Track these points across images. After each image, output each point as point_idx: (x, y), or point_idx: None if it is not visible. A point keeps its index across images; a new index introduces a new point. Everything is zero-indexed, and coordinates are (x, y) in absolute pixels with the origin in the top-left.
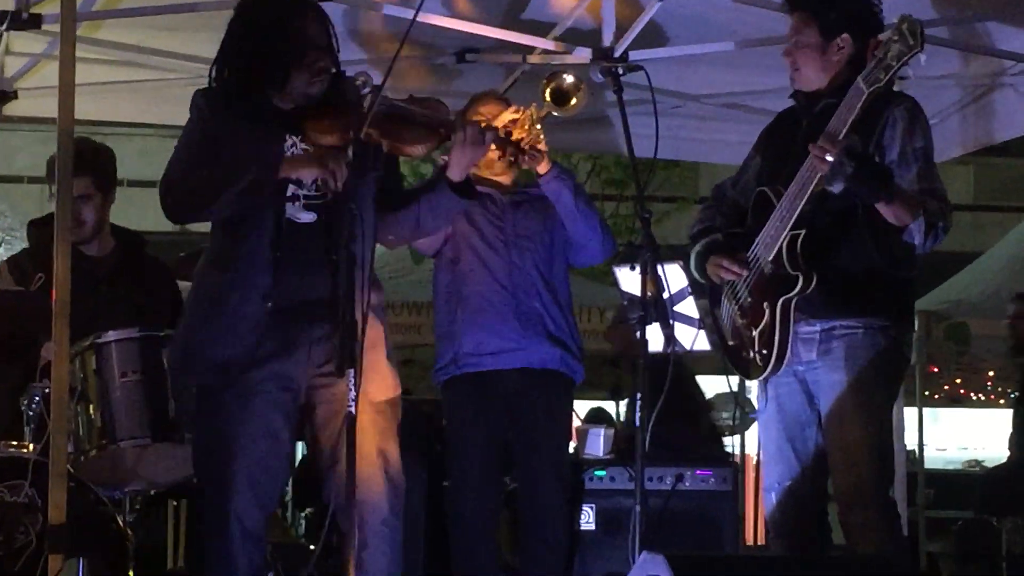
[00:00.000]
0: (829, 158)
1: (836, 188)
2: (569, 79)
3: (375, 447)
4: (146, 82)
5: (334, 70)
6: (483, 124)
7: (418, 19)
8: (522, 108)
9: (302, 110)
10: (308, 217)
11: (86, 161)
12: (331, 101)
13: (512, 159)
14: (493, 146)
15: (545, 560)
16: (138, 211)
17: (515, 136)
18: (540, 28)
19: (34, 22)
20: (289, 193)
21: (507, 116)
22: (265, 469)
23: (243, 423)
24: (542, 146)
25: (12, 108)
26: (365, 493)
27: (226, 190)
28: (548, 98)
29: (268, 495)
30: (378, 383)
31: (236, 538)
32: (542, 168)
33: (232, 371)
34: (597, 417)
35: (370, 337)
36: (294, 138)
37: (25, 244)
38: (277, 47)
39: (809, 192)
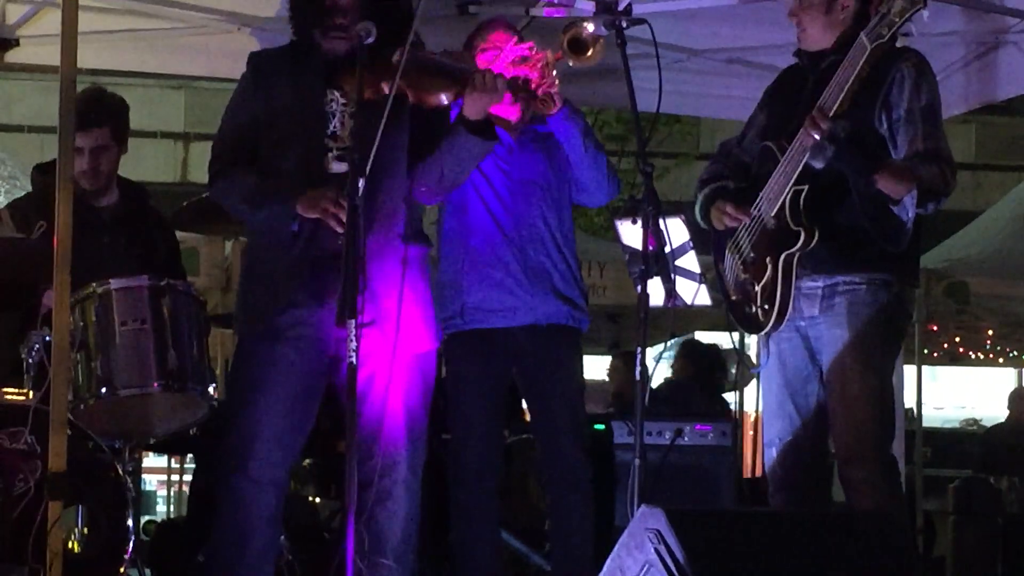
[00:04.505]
0: (815, 136)
1: (817, 164)
2: (589, 28)
3: (400, 403)
4: (148, 31)
5: (375, 26)
6: (493, 53)
7: None
8: (536, 49)
9: (345, 64)
10: (340, 167)
11: (107, 112)
12: (377, 56)
13: (524, 104)
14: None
15: (575, 511)
16: (139, 161)
17: (526, 75)
18: None
19: None
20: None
21: (518, 50)
22: (289, 412)
23: (270, 366)
24: (555, 91)
25: (14, 55)
26: (385, 449)
27: (252, 213)
28: (566, 46)
29: (291, 438)
30: (410, 337)
31: (251, 477)
32: (553, 107)
33: (262, 317)
34: None
35: (405, 291)
36: (335, 92)
37: (24, 192)
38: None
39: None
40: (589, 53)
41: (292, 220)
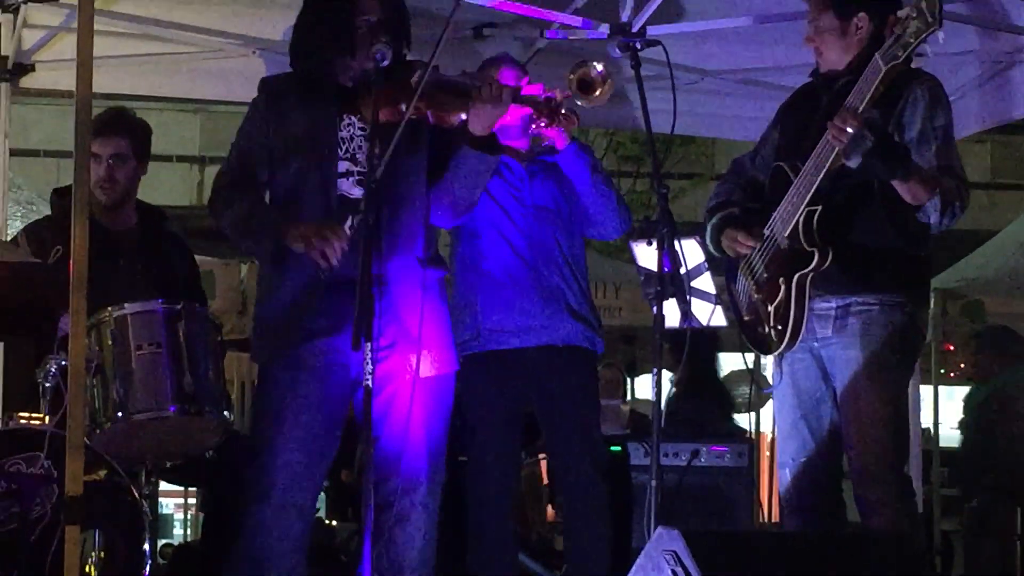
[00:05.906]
0: (849, 130)
1: (853, 162)
2: (597, 69)
3: (421, 426)
4: (163, 55)
5: (391, 49)
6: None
7: None
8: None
9: (361, 88)
10: (360, 193)
11: (127, 125)
12: (391, 79)
13: (548, 120)
14: (530, 109)
15: (592, 533)
16: (155, 184)
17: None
18: (559, 2)
19: None
20: (343, 169)
21: (529, 90)
22: (314, 438)
23: (292, 394)
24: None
25: (30, 81)
26: (404, 471)
27: (241, 241)
28: (575, 87)
29: (315, 466)
30: (428, 360)
31: (275, 504)
32: (560, 144)
33: (283, 346)
34: None
35: (426, 314)
36: (352, 117)
37: (42, 215)
38: (334, 27)
39: (826, 168)
40: (597, 93)
41: (276, 251)
